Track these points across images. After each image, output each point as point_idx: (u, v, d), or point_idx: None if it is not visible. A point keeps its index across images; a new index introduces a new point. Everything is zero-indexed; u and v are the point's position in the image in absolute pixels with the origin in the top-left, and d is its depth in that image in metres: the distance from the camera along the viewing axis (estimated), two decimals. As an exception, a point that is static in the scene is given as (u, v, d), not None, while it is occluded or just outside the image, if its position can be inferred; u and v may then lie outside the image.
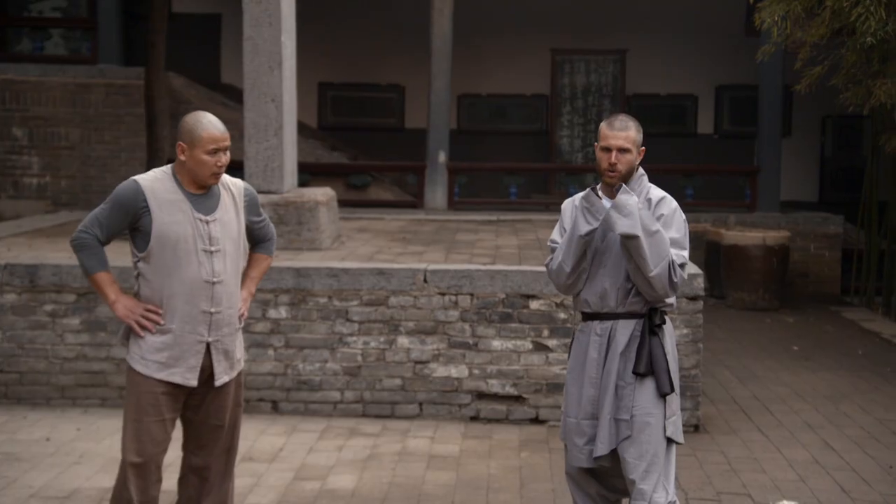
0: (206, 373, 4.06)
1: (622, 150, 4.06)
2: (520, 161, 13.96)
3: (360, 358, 6.70)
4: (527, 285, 6.61)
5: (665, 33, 14.56)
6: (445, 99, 12.42)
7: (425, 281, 6.69)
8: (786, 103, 12.93)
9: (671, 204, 4.12)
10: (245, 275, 4.27)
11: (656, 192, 4.16)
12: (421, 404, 6.70)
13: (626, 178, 4.10)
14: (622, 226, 3.91)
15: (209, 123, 3.99)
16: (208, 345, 4.04)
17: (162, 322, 3.98)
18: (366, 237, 8.74)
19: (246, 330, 6.59)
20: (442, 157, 12.45)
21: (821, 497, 5.35)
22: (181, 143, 3.99)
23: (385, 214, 10.93)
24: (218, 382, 4.08)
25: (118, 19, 12.47)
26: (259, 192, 7.67)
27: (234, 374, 4.17)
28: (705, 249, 11.36)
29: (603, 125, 4.12)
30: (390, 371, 6.69)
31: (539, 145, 14.71)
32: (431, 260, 7.29)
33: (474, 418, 6.67)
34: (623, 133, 4.07)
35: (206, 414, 4.13)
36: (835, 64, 9.12)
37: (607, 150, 4.08)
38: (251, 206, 4.22)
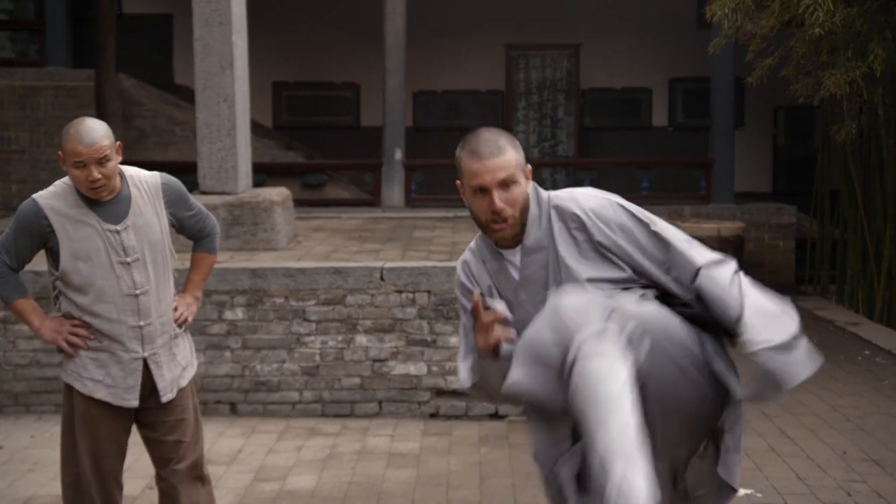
0: (150, 387, 3.84)
1: (506, 184, 2.74)
2: (476, 157, 13.97)
3: (318, 358, 6.68)
4: (483, 281, 6.62)
5: (618, 27, 14.65)
6: (400, 96, 12.41)
7: (382, 279, 6.67)
8: (738, 95, 13.05)
9: (606, 204, 2.84)
10: (187, 278, 4.05)
11: (567, 196, 2.86)
12: (380, 403, 6.68)
13: (524, 219, 2.80)
14: None
15: (76, 133, 3.62)
16: (145, 360, 3.81)
17: (91, 336, 3.76)
18: (322, 236, 8.71)
19: (202, 332, 6.54)
20: (398, 154, 12.44)
21: (777, 485, 5.41)
22: (59, 152, 3.70)
23: (342, 213, 10.90)
24: (164, 398, 3.86)
25: (66, 21, 12.33)
26: (213, 192, 7.69)
27: (184, 382, 3.94)
28: (661, 242, 11.44)
29: (464, 155, 2.77)
30: (349, 370, 6.67)
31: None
32: (388, 258, 7.27)
33: (434, 415, 6.67)
34: (498, 160, 2.73)
35: (165, 430, 3.92)
36: (785, 55, 9.23)
37: (483, 190, 2.74)
38: (175, 201, 3.88)
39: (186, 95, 12.57)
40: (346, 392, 6.68)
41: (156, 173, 3.88)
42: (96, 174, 3.62)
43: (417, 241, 8.51)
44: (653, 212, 10.34)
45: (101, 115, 9.76)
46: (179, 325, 3.93)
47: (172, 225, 3.91)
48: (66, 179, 3.76)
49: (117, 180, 3.75)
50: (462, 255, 2.98)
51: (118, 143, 3.74)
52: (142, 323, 3.78)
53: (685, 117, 15.13)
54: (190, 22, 7.81)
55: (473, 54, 14.67)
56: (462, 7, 14.58)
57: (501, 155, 2.73)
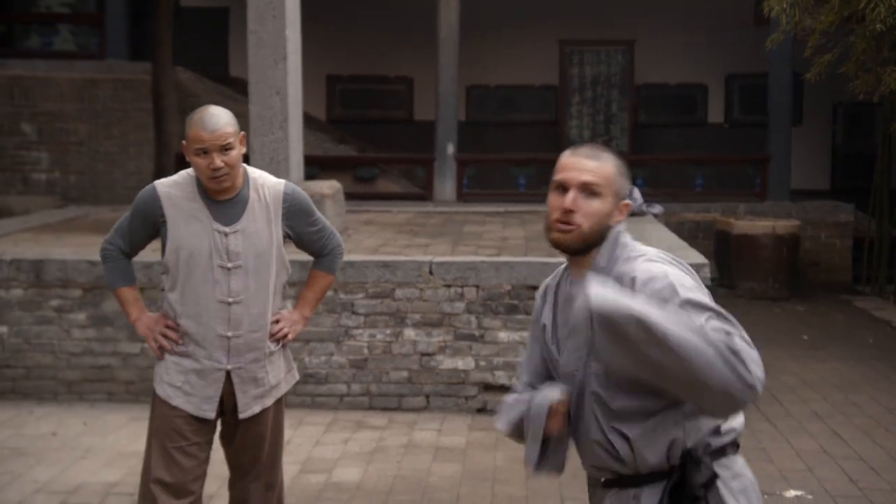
0: (232, 401, 3.65)
1: (587, 191, 2.49)
2: (529, 152, 13.93)
3: (366, 351, 6.69)
4: (532, 276, 6.59)
5: (673, 22, 14.49)
6: (453, 90, 12.41)
7: (431, 273, 6.67)
8: (796, 91, 12.86)
9: (665, 278, 2.43)
10: (300, 295, 3.87)
11: (646, 268, 2.46)
12: (427, 397, 6.69)
13: (591, 241, 2.51)
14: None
15: (199, 120, 3.49)
16: (228, 373, 3.61)
17: (180, 341, 3.61)
18: (372, 230, 8.73)
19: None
20: (450, 148, 12.43)
21: (828, 486, 5.32)
22: (184, 141, 3.56)
23: (393, 207, 10.92)
24: (243, 415, 3.64)
25: (126, 14, 12.49)
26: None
27: (270, 401, 3.71)
28: (715, 239, 11.32)
29: (565, 153, 2.58)
30: (396, 363, 6.68)
31: (548, 136, 14.67)
32: (437, 252, 7.27)
33: (481, 410, 6.65)
34: (592, 163, 2.50)
35: (242, 445, 3.72)
36: (844, 51, 9.06)
37: (563, 187, 2.51)
38: (295, 213, 3.66)
39: (242, 88, 12.64)
40: (394, 385, 6.69)
41: (281, 181, 3.69)
42: (218, 162, 3.45)
43: (467, 235, 8.50)
44: (707, 209, 10.14)
45: (157, 108, 9.86)
46: (276, 341, 3.71)
47: (289, 237, 3.70)
48: (190, 171, 3.62)
49: (240, 176, 3.58)
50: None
51: (242, 133, 3.57)
52: (230, 333, 3.56)
53: (742, 114, 14.93)
54: (245, 15, 7.87)
55: (527, 49, 14.61)
56: (516, 2, 14.52)
57: (597, 161, 2.51)
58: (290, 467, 5.56)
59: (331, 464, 5.65)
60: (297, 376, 3.88)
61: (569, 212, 2.47)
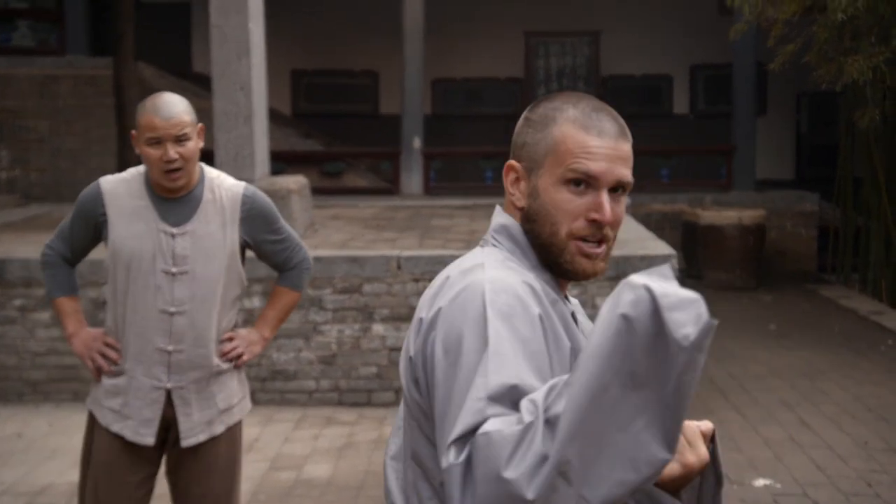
0: (175, 426, 3.27)
1: (619, 191, 1.68)
2: (495, 145, 13.91)
3: (334, 346, 6.66)
4: (501, 269, 6.57)
5: (638, 13, 14.54)
6: (419, 84, 12.37)
7: (399, 268, 6.64)
8: (760, 81, 12.94)
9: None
10: (261, 313, 3.49)
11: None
12: (397, 392, 6.66)
13: None
14: None
15: (152, 106, 3.14)
16: (169, 392, 3.22)
17: (119, 361, 3.21)
18: (339, 224, 8.69)
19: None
20: (416, 142, 12.40)
21: (796, 475, 5.35)
22: (133, 130, 3.21)
23: (360, 202, 10.88)
24: (185, 443, 3.24)
25: (86, 9, 12.36)
26: (230, 181, 7.66)
27: (220, 429, 3.29)
28: (682, 230, 11.37)
29: (568, 108, 1.74)
30: (365, 359, 6.66)
31: (514, 129, 14.66)
32: (405, 246, 7.24)
33: (451, 404, 6.63)
34: (627, 145, 1.70)
35: (187, 479, 3.31)
36: (807, 41, 9.12)
37: (582, 183, 1.65)
38: (254, 219, 3.27)
39: (205, 83, 12.56)
40: (363, 381, 6.66)
41: (242, 183, 3.31)
42: (173, 153, 3.10)
43: (435, 229, 8.48)
44: (674, 200, 10.19)
45: (119, 104, 9.75)
46: (229, 361, 3.32)
47: (248, 246, 3.34)
48: (139, 168, 3.27)
49: (195, 172, 3.23)
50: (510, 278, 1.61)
51: (200, 125, 3.23)
52: (171, 347, 3.20)
53: (706, 104, 15.01)
54: (208, 9, 7.79)
55: (493, 42, 14.60)
56: (481, -6, 14.51)
57: (628, 139, 1.70)
58: (259, 464, 5.53)
59: (301, 460, 5.61)
60: (249, 405, 3.45)
61: (603, 226, 1.62)
